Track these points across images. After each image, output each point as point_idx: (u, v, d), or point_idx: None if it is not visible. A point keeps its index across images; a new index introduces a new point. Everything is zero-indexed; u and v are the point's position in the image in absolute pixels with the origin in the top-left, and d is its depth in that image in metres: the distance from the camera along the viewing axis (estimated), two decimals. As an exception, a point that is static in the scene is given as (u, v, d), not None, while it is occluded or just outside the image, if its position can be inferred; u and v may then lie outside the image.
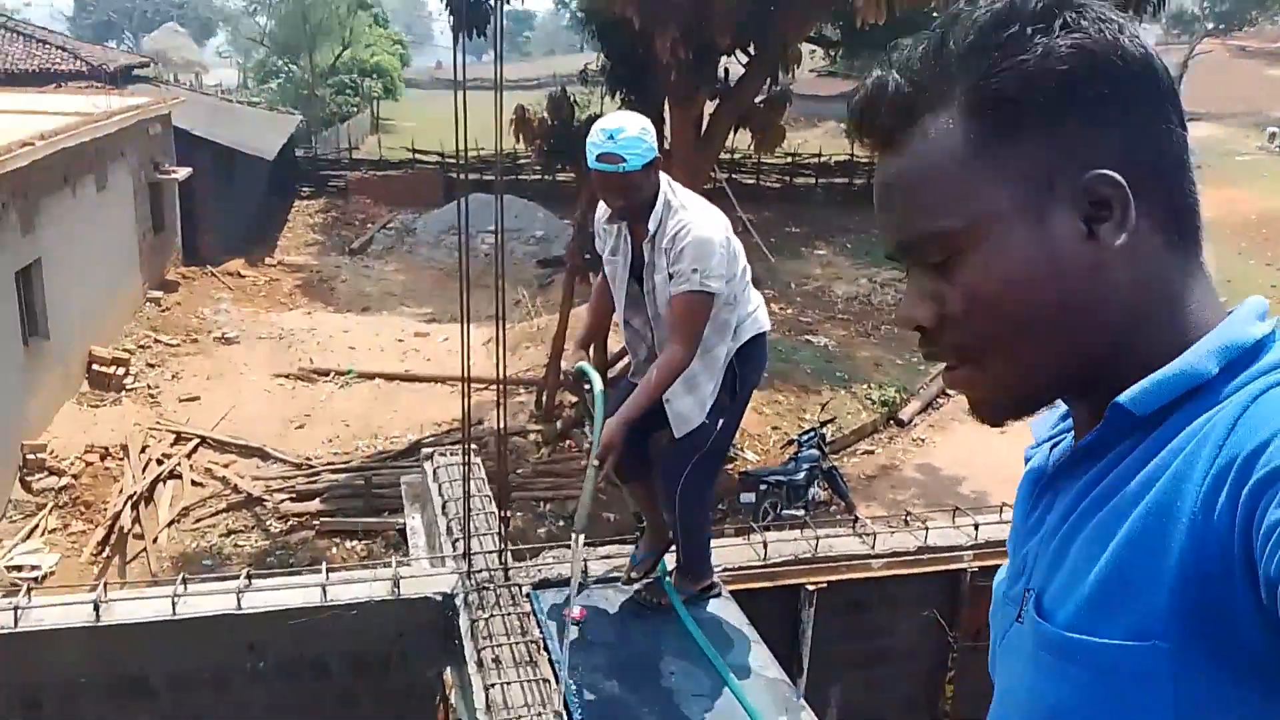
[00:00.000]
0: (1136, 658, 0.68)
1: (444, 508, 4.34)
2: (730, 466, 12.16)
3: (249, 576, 3.73)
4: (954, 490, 13.97)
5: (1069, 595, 0.74)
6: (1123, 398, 0.73)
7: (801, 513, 12.42)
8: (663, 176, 3.25)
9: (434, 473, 4.66)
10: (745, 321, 3.39)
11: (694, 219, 3.17)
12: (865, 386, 16.42)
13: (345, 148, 29.75)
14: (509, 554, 3.89)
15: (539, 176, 24.19)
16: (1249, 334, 0.73)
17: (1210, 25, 42.01)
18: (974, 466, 14.52)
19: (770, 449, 13.93)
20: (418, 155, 27.19)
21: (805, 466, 12.32)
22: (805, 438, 12.65)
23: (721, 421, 3.42)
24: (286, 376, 14.47)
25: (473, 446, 4.99)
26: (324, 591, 3.61)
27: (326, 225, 23.66)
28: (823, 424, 13.27)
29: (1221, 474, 0.64)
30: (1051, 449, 0.86)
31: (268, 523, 11.00)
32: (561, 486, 11.78)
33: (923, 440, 15.66)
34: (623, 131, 3.04)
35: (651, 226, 3.19)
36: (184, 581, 3.73)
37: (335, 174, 26.91)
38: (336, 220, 24.00)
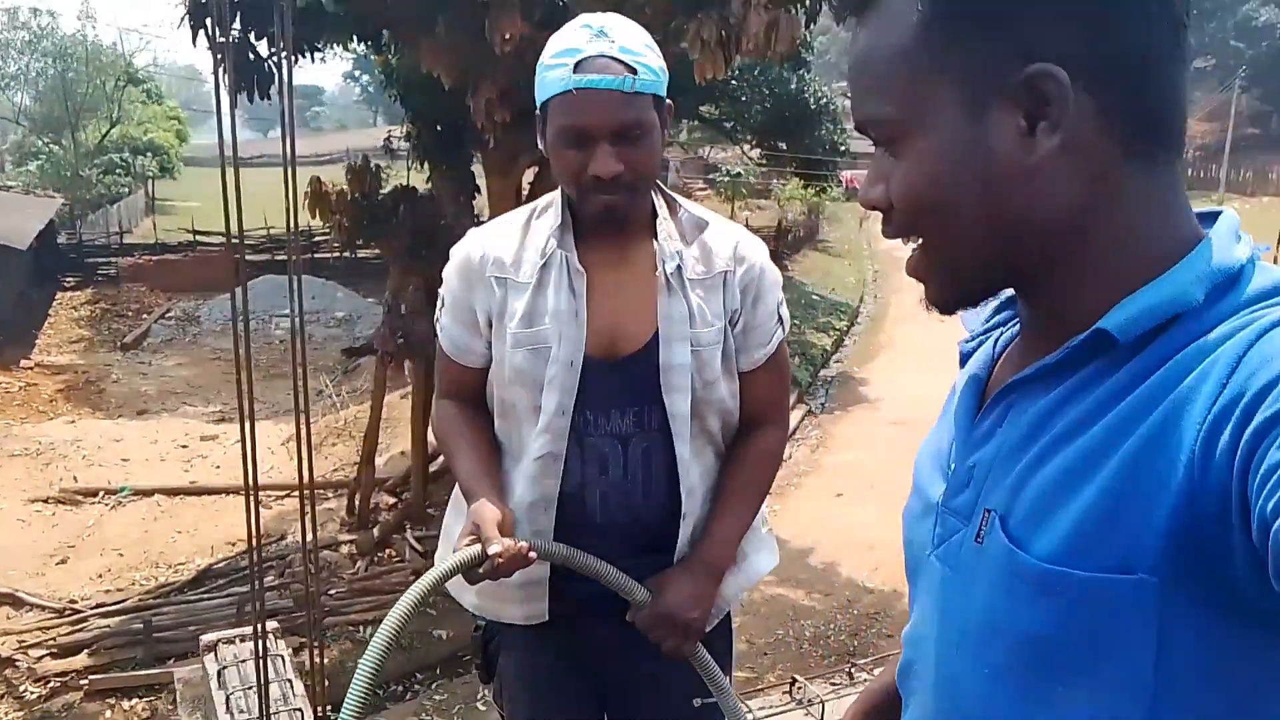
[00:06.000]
0: (1121, 590, 0.65)
1: (234, 729, 3.05)
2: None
3: None
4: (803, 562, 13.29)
5: (1046, 524, 0.70)
6: (1108, 324, 0.69)
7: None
8: None
9: (218, 674, 3.34)
10: None
11: (735, 226, 1.79)
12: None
13: (116, 231, 27.14)
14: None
15: (337, 254, 22.62)
16: (1235, 259, 0.69)
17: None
18: (818, 535, 13.86)
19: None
20: (199, 235, 25.07)
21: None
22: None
23: None
24: (45, 500, 12.33)
25: (272, 624, 3.70)
26: None
27: (95, 318, 21.13)
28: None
29: (1224, 413, 0.61)
30: (995, 344, 0.86)
31: (22, 688, 9.00)
32: (383, 605, 10.30)
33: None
34: (619, 32, 1.54)
35: (670, 243, 1.66)
36: None
37: (104, 260, 24.42)
38: (107, 312, 21.48)
